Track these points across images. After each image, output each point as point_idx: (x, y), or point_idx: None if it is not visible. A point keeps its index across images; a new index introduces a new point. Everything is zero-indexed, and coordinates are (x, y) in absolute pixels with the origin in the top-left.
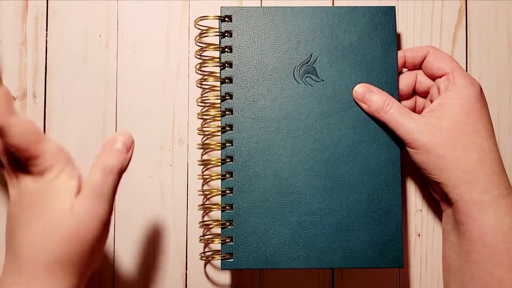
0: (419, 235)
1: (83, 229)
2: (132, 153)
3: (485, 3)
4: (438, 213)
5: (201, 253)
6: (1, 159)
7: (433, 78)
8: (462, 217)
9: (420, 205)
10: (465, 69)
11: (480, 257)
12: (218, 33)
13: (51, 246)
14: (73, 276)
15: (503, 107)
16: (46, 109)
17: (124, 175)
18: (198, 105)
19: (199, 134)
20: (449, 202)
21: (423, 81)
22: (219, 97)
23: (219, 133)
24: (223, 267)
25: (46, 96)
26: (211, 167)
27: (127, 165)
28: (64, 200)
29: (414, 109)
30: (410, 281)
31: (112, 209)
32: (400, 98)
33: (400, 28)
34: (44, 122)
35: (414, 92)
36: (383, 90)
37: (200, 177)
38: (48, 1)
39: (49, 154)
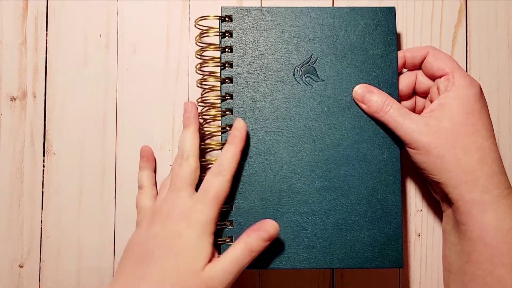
0: (419, 235)
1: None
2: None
3: (485, 3)
4: (438, 213)
5: None
6: None
7: (433, 78)
8: (462, 217)
9: (420, 205)
10: (465, 69)
11: (481, 257)
12: (218, 33)
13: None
14: None
15: (503, 107)
16: (46, 109)
17: (124, 175)
18: (198, 105)
19: (200, 134)
20: (450, 202)
21: (423, 81)
22: (219, 97)
23: (220, 133)
24: None
25: (46, 96)
26: (211, 167)
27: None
28: (202, 257)
29: (414, 109)
30: (410, 281)
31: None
32: (400, 98)
33: (400, 28)
34: (44, 122)
35: (414, 93)
36: (383, 90)
37: (201, 176)
38: (48, 1)
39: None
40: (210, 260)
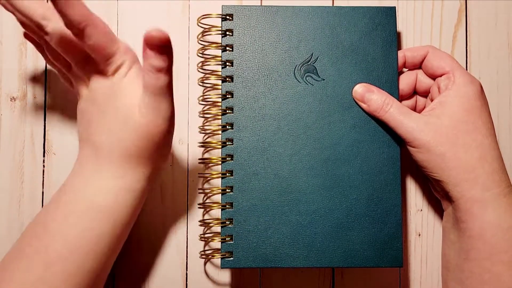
0: (419, 235)
1: (151, 124)
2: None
3: (485, 3)
4: (438, 213)
5: (201, 252)
6: (70, 61)
7: (433, 77)
8: (462, 215)
9: (420, 205)
10: (465, 69)
11: (479, 254)
12: (220, 32)
13: (124, 139)
14: (146, 167)
15: (503, 106)
16: (46, 109)
17: None
18: (199, 104)
19: (201, 133)
20: (450, 200)
21: (424, 81)
22: (221, 96)
23: (220, 132)
24: (223, 266)
25: (46, 96)
26: (211, 166)
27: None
28: (133, 97)
29: (415, 109)
30: (410, 280)
31: (173, 105)
32: (401, 98)
33: (400, 28)
34: (44, 122)
35: (414, 92)
36: (384, 89)
37: (201, 175)
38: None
39: (120, 52)
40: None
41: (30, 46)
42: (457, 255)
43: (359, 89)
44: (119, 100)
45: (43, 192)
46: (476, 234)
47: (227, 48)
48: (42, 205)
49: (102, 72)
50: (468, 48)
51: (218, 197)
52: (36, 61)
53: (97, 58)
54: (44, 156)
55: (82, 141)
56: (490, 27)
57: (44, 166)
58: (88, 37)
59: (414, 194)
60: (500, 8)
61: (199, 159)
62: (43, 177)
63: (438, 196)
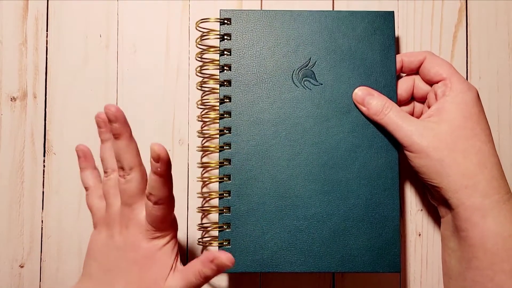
0: (420, 235)
1: None
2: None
3: (485, 3)
4: (438, 213)
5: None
6: (127, 201)
7: (431, 83)
8: (462, 223)
9: (420, 205)
10: (465, 69)
11: (481, 263)
12: (218, 36)
13: None
14: None
15: (503, 107)
16: (46, 109)
17: None
18: (198, 107)
19: (199, 137)
20: (449, 208)
21: (421, 87)
22: (218, 100)
23: (218, 136)
24: None
25: (46, 96)
26: (210, 170)
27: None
28: (163, 268)
29: (412, 115)
30: (411, 280)
31: None
32: (399, 103)
33: (400, 28)
34: (45, 122)
35: (412, 98)
36: (382, 94)
37: (199, 179)
38: (48, 1)
39: (170, 223)
40: (173, 267)
41: (30, 46)
42: (458, 263)
43: (360, 92)
44: (149, 266)
45: (43, 192)
46: (477, 243)
47: (225, 52)
48: (42, 205)
49: (142, 231)
50: (468, 48)
51: (216, 201)
52: (36, 61)
53: (153, 222)
54: (44, 156)
55: (88, 276)
56: (490, 27)
57: (44, 166)
58: (160, 209)
59: (414, 194)
60: (500, 8)
61: (198, 163)
62: (43, 177)
63: (435, 204)
